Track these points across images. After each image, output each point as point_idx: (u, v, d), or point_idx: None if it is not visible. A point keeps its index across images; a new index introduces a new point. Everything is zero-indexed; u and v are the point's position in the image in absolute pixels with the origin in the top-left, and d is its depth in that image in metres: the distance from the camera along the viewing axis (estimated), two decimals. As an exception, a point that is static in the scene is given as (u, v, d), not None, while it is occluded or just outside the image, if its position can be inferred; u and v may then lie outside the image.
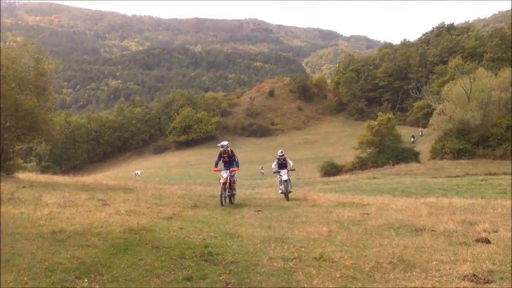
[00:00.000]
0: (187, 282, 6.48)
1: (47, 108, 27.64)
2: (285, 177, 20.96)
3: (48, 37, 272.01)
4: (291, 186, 21.53)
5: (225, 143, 18.61)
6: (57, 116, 34.21)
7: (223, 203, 17.30)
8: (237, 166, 18.52)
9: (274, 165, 21.88)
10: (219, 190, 18.10)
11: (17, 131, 26.75)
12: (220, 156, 18.50)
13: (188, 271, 7.10)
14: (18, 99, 24.93)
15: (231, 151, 18.49)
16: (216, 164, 18.62)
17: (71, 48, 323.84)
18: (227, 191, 17.97)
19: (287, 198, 20.57)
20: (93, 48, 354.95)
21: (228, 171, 18.09)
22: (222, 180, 17.81)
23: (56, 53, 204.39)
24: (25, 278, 6.23)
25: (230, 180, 18.14)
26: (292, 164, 21.92)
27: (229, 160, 18.46)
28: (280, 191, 21.30)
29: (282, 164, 21.70)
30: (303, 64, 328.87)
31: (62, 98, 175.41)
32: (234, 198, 18.87)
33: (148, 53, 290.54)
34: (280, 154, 21.86)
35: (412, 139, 76.95)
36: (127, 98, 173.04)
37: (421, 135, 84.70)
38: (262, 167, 64.30)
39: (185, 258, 7.92)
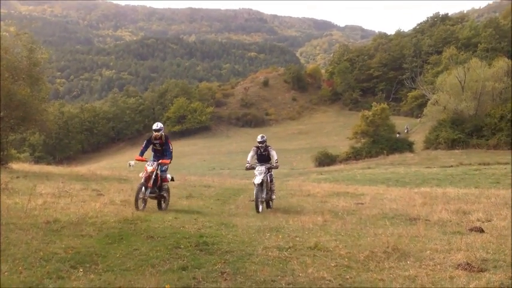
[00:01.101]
0: (183, 272, 6.49)
1: (40, 98, 27.58)
2: (258, 179, 14.18)
3: (41, 27, 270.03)
4: (269, 192, 14.74)
5: (159, 125, 13.62)
6: (50, 106, 34.07)
7: (139, 207, 12.35)
8: (170, 158, 13.45)
9: (249, 157, 15.08)
10: (214, 181, 17.12)
11: (10, 121, 26.65)
12: (149, 142, 13.68)
13: (183, 260, 7.11)
14: (11, 89, 24.84)
15: (166, 137, 13.68)
16: (142, 152, 13.64)
17: (64, 38, 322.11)
18: (149, 190, 12.81)
19: (258, 209, 13.82)
20: (87, 38, 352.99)
21: (154, 163, 13.16)
22: (143, 174, 12.97)
23: (49, 43, 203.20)
24: (20, 268, 6.23)
25: (157, 176, 13.18)
26: (276, 157, 14.85)
27: (161, 149, 13.62)
28: (253, 198, 14.40)
29: (262, 156, 15.03)
30: (298, 54, 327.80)
31: (55, 88, 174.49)
32: (166, 202, 13.70)
33: (142, 43, 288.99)
34: (261, 140, 15.01)
35: (397, 135, 75.14)
36: (121, 88, 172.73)
37: (407, 133, 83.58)
38: None
39: (180, 248, 7.94)
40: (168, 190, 13.80)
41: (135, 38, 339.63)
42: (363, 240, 9.09)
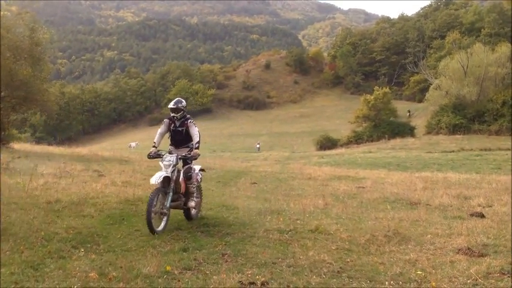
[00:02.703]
0: (184, 253, 6.50)
1: (42, 78, 27.55)
2: (155, 178, 7.91)
3: (43, 7, 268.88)
4: (183, 196, 8.53)
5: None
6: (52, 86, 34.03)
7: None
8: None
9: (157, 134, 8.79)
10: (215, 163, 16.82)
11: (12, 101, 26.65)
12: None
13: (184, 242, 7.13)
14: (13, 68, 24.81)
15: None
16: None
17: (66, 18, 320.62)
18: None
19: (151, 228, 7.45)
20: (89, 18, 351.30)
21: None
22: None
23: (50, 23, 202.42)
24: (21, 247, 6.25)
25: None
26: (198, 138, 8.63)
27: None
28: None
29: (178, 134, 8.81)
30: (300, 37, 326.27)
31: (56, 68, 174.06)
32: None
33: (144, 24, 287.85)
34: (173, 107, 8.65)
35: (408, 114, 74.98)
36: (122, 69, 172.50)
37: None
38: (259, 143, 64.21)
39: (181, 230, 7.96)
40: None
41: (137, 19, 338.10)
42: (363, 223, 9.09)
